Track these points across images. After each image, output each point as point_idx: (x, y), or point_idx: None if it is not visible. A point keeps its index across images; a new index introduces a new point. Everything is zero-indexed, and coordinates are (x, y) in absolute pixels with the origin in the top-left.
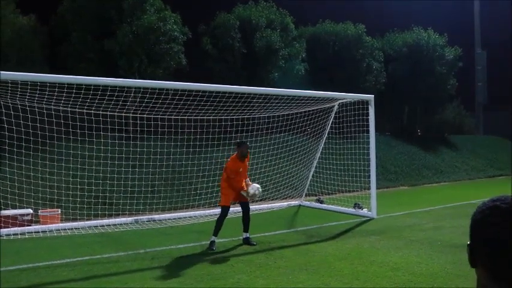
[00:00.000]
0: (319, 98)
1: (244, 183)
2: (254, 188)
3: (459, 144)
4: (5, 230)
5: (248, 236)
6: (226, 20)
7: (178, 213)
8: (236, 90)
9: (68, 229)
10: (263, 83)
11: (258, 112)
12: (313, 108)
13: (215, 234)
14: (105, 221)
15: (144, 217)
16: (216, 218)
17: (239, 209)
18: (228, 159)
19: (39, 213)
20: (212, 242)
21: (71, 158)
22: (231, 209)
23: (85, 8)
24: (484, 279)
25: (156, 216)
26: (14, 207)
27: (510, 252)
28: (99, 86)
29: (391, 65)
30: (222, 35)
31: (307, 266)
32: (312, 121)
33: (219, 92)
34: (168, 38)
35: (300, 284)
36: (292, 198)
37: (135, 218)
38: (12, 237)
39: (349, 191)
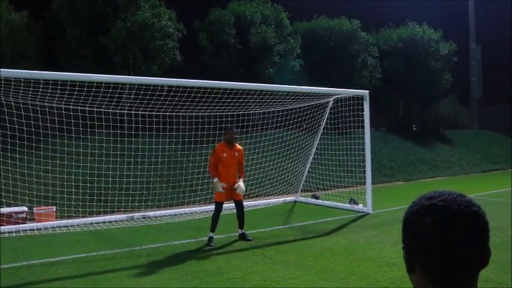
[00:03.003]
0: (314, 93)
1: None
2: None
3: (454, 139)
4: None
5: (244, 231)
6: (221, 16)
7: (174, 210)
8: (231, 86)
9: (63, 226)
10: (258, 79)
11: (253, 108)
12: (308, 104)
13: (212, 230)
14: (101, 218)
15: (140, 214)
16: (211, 214)
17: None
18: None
19: (34, 211)
20: (210, 238)
21: (66, 155)
22: (226, 205)
23: (79, 4)
24: (422, 283)
25: (151, 213)
26: (8, 205)
27: (452, 253)
28: (94, 82)
29: (386, 60)
30: (217, 31)
31: (303, 262)
32: (307, 117)
33: (214, 88)
34: (162, 34)
35: (295, 280)
36: (287, 194)
37: (131, 215)
38: (7, 235)
39: (345, 187)
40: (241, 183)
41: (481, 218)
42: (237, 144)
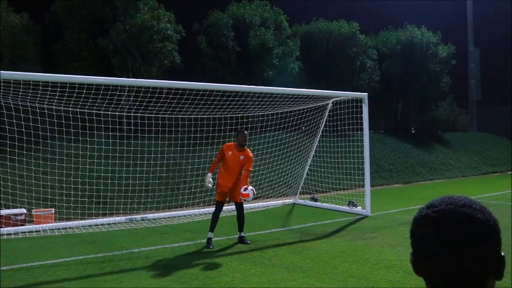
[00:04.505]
0: (313, 96)
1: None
2: (250, 192)
3: (453, 141)
4: None
5: (243, 235)
6: (220, 19)
7: (173, 212)
8: (230, 88)
9: (62, 229)
10: (257, 81)
11: (252, 110)
12: (307, 107)
13: (211, 229)
14: (99, 221)
15: (138, 216)
16: (210, 217)
17: (234, 207)
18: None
19: (32, 213)
20: (209, 240)
21: (65, 157)
22: (226, 208)
23: (78, 6)
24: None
25: (150, 215)
26: (7, 206)
27: (442, 266)
28: (93, 84)
29: (385, 62)
30: (216, 34)
31: (302, 264)
32: (306, 119)
33: (213, 91)
34: (161, 36)
35: (294, 282)
36: (286, 196)
37: (129, 217)
38: (6, 237)
39: (344, 189)
40: (250, 190)
41: (475, 224)
42: (248, 149)
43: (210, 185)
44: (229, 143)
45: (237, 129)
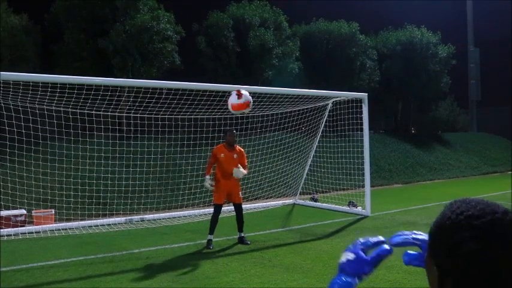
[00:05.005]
0: (313, 96)
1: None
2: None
3: (453, 141)
4: None
5: (243, 235)
6: (220, 19)
7: (173, 213)
8: (230, 89)
9: (62, 229)
10: (257, 81)
11: (252, 111)
12: (307, 107)
13: (211, 232)
14: (99, 221)
15: (138, 217)
16: (210, 217)
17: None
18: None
19: (32, 214)
20: (209, 241)
21: (64, 158)
22: (225, 208)
23: (78, 6)
24: None
25: (150, 216)
26: (7, 207)
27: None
28: (93, 85)
29: (385, 63)
30: (215, 34)
31: (302, 265)
32: (306, 119)
33: (212, 91)
34: (161, 37)
35: (294, 283)
36: (286, 196)
37: (129, 217)
38: (6, 238)
39: (344, 189)
40: (241, 168)
41: None
42: (237, 146)
43: (211, 187)
44: (217, 146)
45: (225, 130)
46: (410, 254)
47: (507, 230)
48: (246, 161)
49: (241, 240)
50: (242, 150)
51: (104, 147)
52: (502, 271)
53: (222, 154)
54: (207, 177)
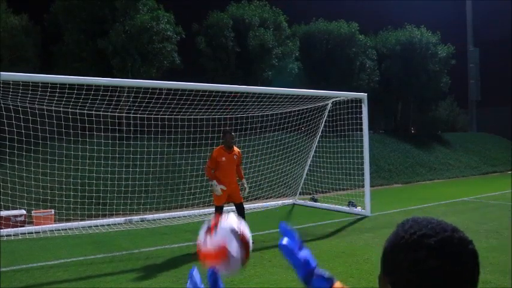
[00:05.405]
0: (313, 96)
1: (236, 180)
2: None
3: (452, 141)
4: None
5: None
6: (220, 19)
7: (172, 213)
8: (230, 89)
9: (62, 230)
10: (257, 81)
11: (252, 111)
12: (306, 107)
13: None
14: (99, 221)
15: (138, 217)
16: (210, 218)
17: (234, 208)
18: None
19: (32, 214)
20: None
21: (64, 158)
22: (226, 208)
23: (78, 7)
24: None
25: (150, 216)
26: (7, 208)
27: None
28: (92, 85)
29: (385, 63)
30: (215, 34)
31: None
32: (306, 119)
33: (212, 91)
34: (161, 37)
35: (294, 283)
36: (286, 196)
37: (129, 218)
38: (5, 238)
39: (343, 189)
40: (246, 187)
41: (477, 256)
42: (235, 147)
43: (221, 192)
44: (216, 150)
45: (223, 131)
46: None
47: (456, 248)
48: (241, 162)
49: None
50: (239, 151)
51: (104, 147)
52: (452, 285)
53: (223, 158)
54: (215, 182)
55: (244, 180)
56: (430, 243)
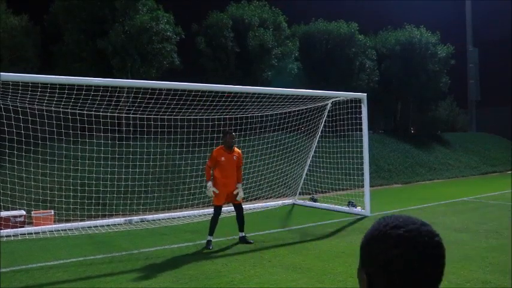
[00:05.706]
0: (312, 96)
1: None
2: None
3: (452, 141)
4: None
5: (244, 235)
6: (219, 19)
7: (172, 213)
8: (229, 89)
9: (61, 230)
10: (256, 82)
11: (252, 111)
12: (306, 107)
13: (210, 233)
14: (99, 222)
15: (138, 217)
16: (210, 218)
17: (233, 208)
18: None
19: (32, 215)
20: (209, 242)
21: (64, 159)
22: (225, 209)
23: (77, 7)
24: None
25: (149, 217)
26: (7, 208)
27: (418, 281)
28: (92, 86)
29: (384, 63)
30: (215, 34)
31: (302, 265)
32: (306, 120)
33: (212, 92)
34: (161, 37)
35: (294, 283)
36: (286, 197)
37: (129, 218)
38: (5, 238)
39: (343, 189)
40: (240, 191)
41: (442, 248)
42: (235, 148)
43: (213, 194)
44: (216, 150)
45: (223, 131)
46: None
47: (422, 238)
48: (242, 161)
49: (244, 240)
50: (240, 152)
51: (104, 147)
52: (416, 271)
53: (223, 158)
54: (209, 183)
55: (240, 185)
56: (399, 233)
